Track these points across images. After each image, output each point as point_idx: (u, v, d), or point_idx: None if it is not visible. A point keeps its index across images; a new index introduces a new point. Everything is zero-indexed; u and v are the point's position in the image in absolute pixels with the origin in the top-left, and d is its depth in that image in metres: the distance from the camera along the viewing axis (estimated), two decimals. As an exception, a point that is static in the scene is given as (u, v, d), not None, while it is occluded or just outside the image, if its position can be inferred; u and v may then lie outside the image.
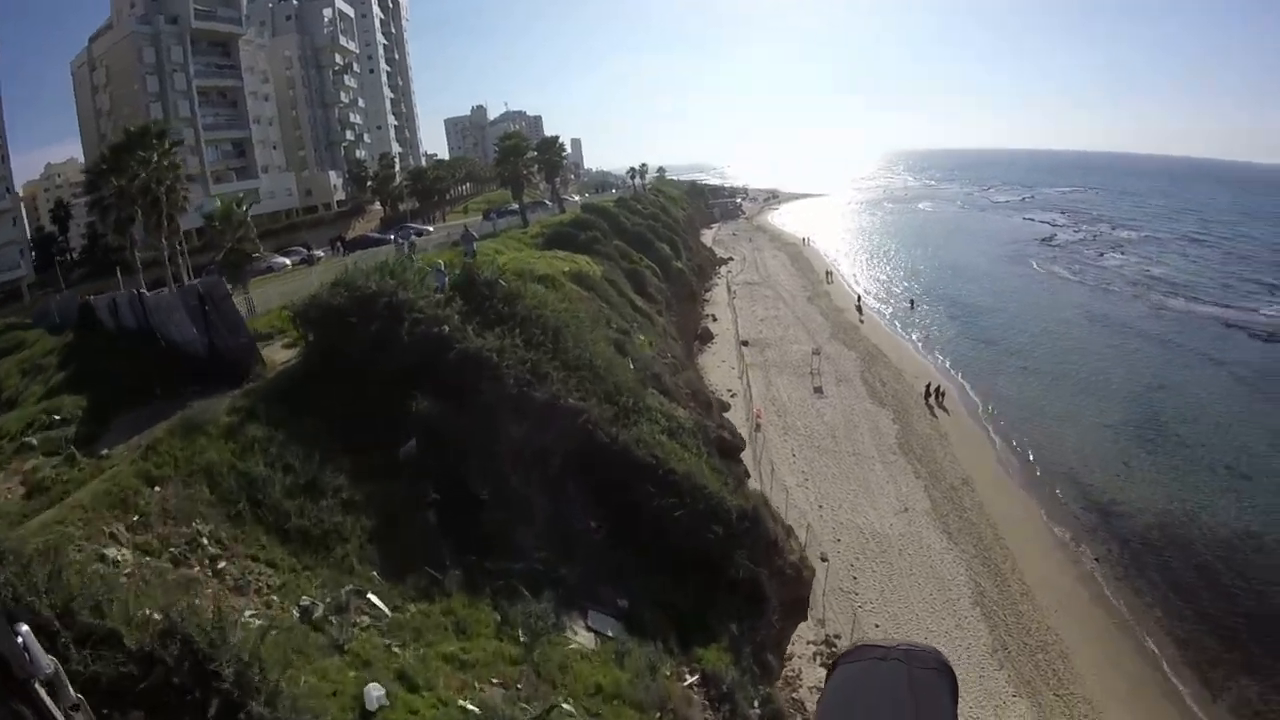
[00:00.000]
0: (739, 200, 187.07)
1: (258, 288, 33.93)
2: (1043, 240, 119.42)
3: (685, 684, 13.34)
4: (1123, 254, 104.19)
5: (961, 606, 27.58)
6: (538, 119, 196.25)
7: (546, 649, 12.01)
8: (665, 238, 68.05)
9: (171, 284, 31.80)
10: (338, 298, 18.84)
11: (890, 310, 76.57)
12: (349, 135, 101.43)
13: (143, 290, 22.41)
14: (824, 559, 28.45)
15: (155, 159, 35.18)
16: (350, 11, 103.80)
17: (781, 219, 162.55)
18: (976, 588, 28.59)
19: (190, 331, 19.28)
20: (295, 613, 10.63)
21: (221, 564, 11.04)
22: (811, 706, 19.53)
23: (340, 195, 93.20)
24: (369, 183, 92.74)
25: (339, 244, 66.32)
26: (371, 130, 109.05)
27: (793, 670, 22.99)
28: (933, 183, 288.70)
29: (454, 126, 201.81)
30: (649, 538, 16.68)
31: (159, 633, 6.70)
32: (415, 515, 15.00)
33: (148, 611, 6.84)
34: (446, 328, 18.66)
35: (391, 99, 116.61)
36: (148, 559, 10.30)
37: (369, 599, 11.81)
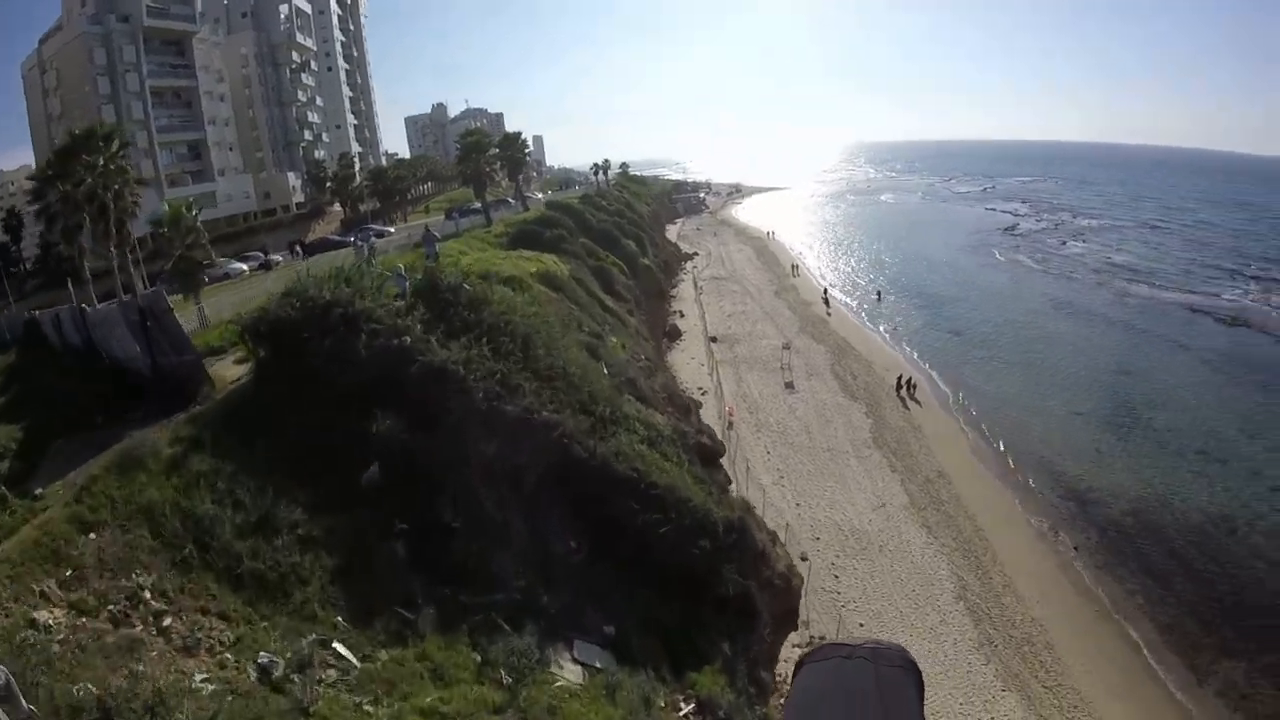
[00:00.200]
0: (702, 195, 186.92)
1: (211, 296, 32.35)
2: (1005, 230, 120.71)
3: (681, 714, 12.65)
4: (1085, 242, 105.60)
5: (945, 601, 27.28)
6: (499, 116, 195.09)
7: (532, 690, 11.05)
8: (631, 234, 67.34)
9: (121, 295, 30.35)
10: (288, 310, 17.32)
11: (857, 302, 76.55)
12: (307, 135, 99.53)
13: (85, 305, 20.63)
14: (804, 558, 27.98)
15: (102, 163, 33.56)
16: (307, 8, 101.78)
17: (745, 213, 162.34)
18: (959, 582, 28.33)
19: (133, 349, 17.59)
20: (252, 672, 9.55)
21: (167, 620, 9.81)
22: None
23: (299, 197, 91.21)
24: (328, 183, 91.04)
25: (298, 248, 64.58)
26: (330, 129, 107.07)
27: (780, 675, 22.49)
28: (894, 174, 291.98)
29: (414, 125, 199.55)
30: (633, 556, 15.67)
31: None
32: (382, 549, 13.83)
33: (80, 691, 5.92)
34: (408, 339, 17.38)
35: (350, 97, 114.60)
36: (83, 620, 9.13)
37: (335, 649, 10.71)
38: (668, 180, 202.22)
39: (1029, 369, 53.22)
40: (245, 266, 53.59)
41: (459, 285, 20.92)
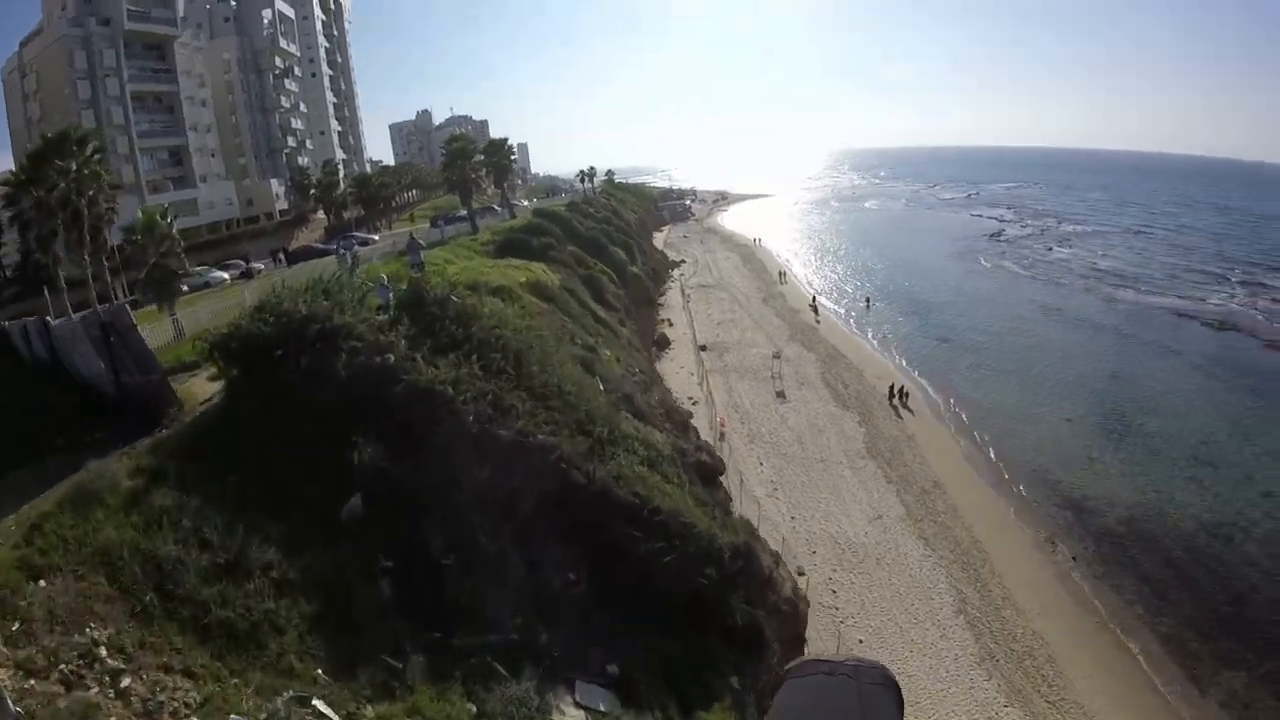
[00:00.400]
0: (688, 202, 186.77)
1: (188, 306, 31.17)
2: (991, 236, 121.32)
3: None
4: (1070, 248, 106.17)
5: (944, 616, 26.83)
6: (484, 123, 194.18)
7: (534, 741, 10.02)
8: (620, 242, 66.78)
9: (97, 306, 29.30)
10: (260, 325, 15.93)
11: (845, 309, 76.23)
12: (291, 141, 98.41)
13: (48, 317, 19.46)
14: (801, 573, 27.36)
15: (75, 167, 32.51)
16: (291, 13, 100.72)
17: (731, 220, 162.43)
18: (958, 595, 27.88)
19: (97, 366, 16.43)
20: (223, 738, 8.56)
21: (125, 680, 8.56)
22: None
23: (283, 204, 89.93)
24: (312, 191, 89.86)
25: (280, 255, 63.53)
26: (314, 136, 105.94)
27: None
28: (878, 181, 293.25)
29: (399, 132, 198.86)
30: (635, 587, 14.46)
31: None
32: (365, 590, 12.59)
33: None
34: (391, 357, 16.16)
35: (334, 104, 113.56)
36: (32, 682, 8.01)
37: (315, 706, 9.57)
38: (654, 188, 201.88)
39: (1019, 375, 53.01)
40: (226, 275, 52.54)
41: (446, 297, 19.72)
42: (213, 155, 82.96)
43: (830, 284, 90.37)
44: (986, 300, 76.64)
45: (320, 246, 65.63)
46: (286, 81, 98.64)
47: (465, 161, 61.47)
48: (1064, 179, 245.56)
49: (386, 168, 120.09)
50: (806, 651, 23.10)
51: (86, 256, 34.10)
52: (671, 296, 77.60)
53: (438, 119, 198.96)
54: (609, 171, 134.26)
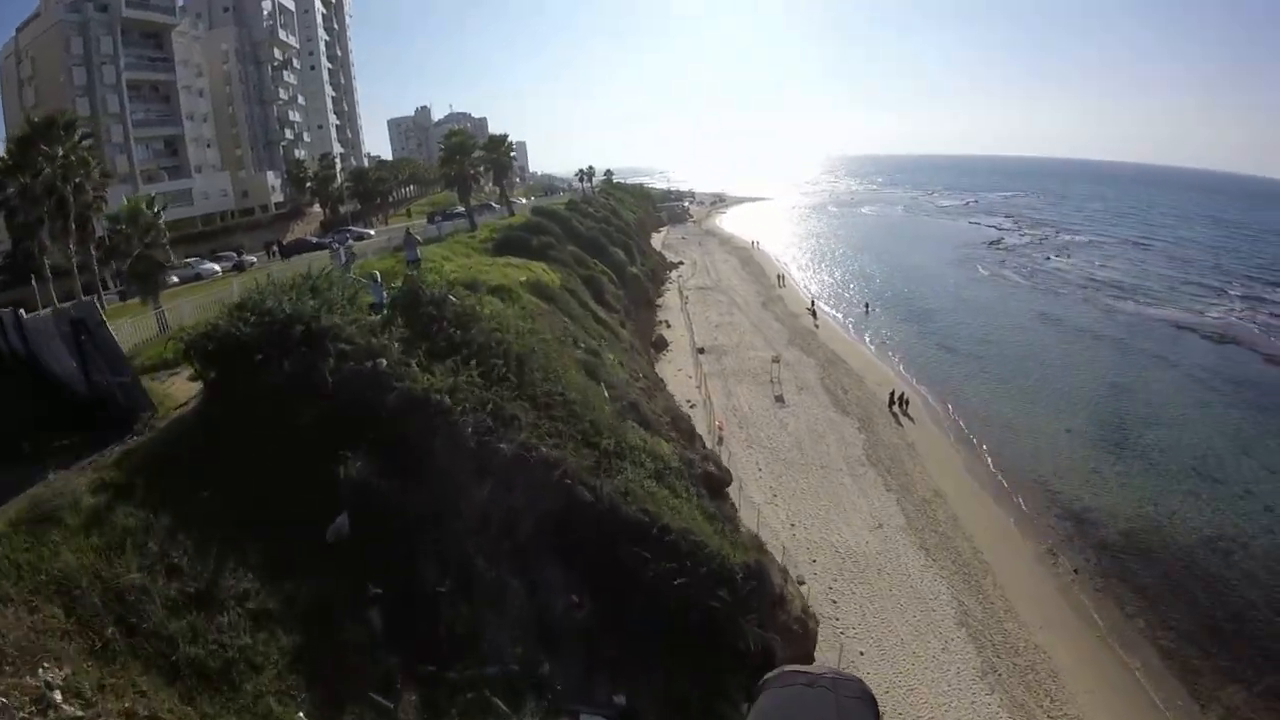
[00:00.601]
0: (686, 204, 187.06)
1: (175, 299, 29.50)
2: (990, 244, 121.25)
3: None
4: (1069, 257, 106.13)
5: (946, 627, 26.29)
6: (483, 121, 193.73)
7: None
8: (619, 242, 66.24)
9: (82, 298, 28.35)
10: (241, 325, 14.57)
11: (845, 314, 75.87)
12: (288, 134, 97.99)
13: (23, 308, 18.23)
14: (801, 582, 26.81)
15: (62, 153, 31.70)
16: (291, 5, 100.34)
17: (729, 223, 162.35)
18: (960, 606, 27.36)
19: (70, 364, 15.05)
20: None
21: None
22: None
23: (279, 197, 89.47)
24: (308, 184, 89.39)
25: (274, 248, 62.85)
26: (312, 129, 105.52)
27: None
28: (875, 187, 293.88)
29: (397, 127, 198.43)
30: (642, 610, 13.42)
31: None
32: (352, 621, 11.38)
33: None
34: (384, 361, 14.97)
35: (333, 97, 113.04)
36: None
37: None
38: (653, 189, 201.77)
39: (1019, 384, 52.70)
40: (218, 267, 51.81)
41: (444, 297, 18.53)
42: (208, 146, 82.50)
43: (829, 288, 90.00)
44: (986, 308, 76.34)
45: (315, 240, 65.11)
46: (285, 73, 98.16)
47: (464, 157, 60.80)
48: (1059, 189, 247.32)
49: (384, 163, 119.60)
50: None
51: (72, 246, 33.27)
52: (669, 298, 77.04)
53: (436, 116, 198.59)
54: (608, 171, 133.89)
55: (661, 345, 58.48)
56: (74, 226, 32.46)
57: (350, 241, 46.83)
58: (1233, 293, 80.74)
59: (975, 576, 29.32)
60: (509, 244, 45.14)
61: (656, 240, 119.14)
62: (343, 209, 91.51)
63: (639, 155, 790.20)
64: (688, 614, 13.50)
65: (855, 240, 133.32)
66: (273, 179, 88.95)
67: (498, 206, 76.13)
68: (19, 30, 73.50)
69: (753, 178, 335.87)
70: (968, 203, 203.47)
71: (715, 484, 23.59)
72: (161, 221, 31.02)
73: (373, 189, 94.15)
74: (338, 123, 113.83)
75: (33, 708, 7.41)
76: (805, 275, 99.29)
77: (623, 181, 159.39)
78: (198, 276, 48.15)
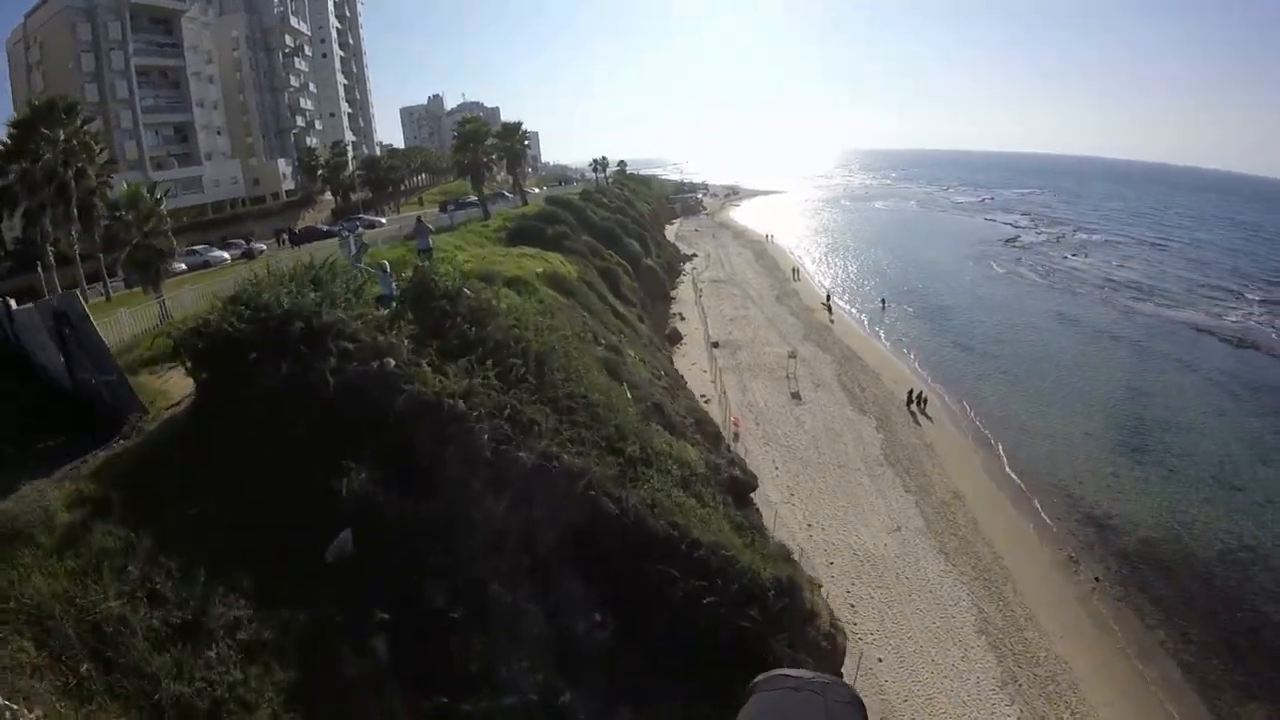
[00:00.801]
0: (700, 196, 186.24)
1: (178, 288, 28.25)
2: (1007, 241, 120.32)
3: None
4: (1086, 257, 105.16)
5: (966, 635, 25.66)
6: (496, 110, 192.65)
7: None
8: (634, 233, 65.60)
9: (83, 286, 27.78)
10: (234, 321, 13.28)
11: (859, 310, 75.08)
12: (299, 122, 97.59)
13: (11, 299, 17.11)
14: (818, 585, 26.23)
15: (63, 137, 31.02)
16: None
17: (743, 215, 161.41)
18: (980, 614, 26.72)
19: (57, 360, 13.91)
20: None
21: None
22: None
23: (290, 184, 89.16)
24: (320, 172, 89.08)
25: (285, 236, 62.39)
26: (324, 117, 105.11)
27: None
28: (889, 182, 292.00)
29: (410, 116, 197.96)
30: (667, 628, 12.39)
31: None
32: (355, 651, 10.27)
33: None
34: (391, 361, 13.67)
35: (345, 85, 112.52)
36: None
37: None
38: (666, 180, 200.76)
39: (1037, 385, 51.93)
40: (227, 255, 51.32)
41: (459, 291, 17.10)
42: (219, 133, 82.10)
43: (844, 283, 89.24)
44: (1002, 306, 75.52)
45: (325, 228, 64.67)
46: (296, 61, 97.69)
47: (478, 144, 60.26)
48: (1075, 187, 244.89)
49: (396, 151, 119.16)
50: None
51: (74, 233, 32.64)
52: (683, 290, 76.35)
53: (449, 105, 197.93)
54: (621, 162, 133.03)
55: (676, 338, 57.81)
56: (76, 213, 31.77)
57: (361, 230, 45.98)
58: (1251, 297, 79.57)
59: (995, 583, 28.66)
60: (523, 233, 44.50)
61: (670, 232, 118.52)
62: (354, 197, 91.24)
63: (652, 147, 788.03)
64: (716, 633, 12.60)
65: (869, 235, 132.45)
66: (284, 166, 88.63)
67: (510, 195, 75.61)
68: (28, 16, 73.21)
69: (765, 171, 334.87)
70: (983, 199, 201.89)
71: (740, 489, 22.72)
72: (163, 208, 30.16)
73: (385, 177, 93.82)
74: (350, 111, 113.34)
75: None
76: (819, 269, 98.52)
77: (636, 173, 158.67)
78: (206, 264, 47.71)
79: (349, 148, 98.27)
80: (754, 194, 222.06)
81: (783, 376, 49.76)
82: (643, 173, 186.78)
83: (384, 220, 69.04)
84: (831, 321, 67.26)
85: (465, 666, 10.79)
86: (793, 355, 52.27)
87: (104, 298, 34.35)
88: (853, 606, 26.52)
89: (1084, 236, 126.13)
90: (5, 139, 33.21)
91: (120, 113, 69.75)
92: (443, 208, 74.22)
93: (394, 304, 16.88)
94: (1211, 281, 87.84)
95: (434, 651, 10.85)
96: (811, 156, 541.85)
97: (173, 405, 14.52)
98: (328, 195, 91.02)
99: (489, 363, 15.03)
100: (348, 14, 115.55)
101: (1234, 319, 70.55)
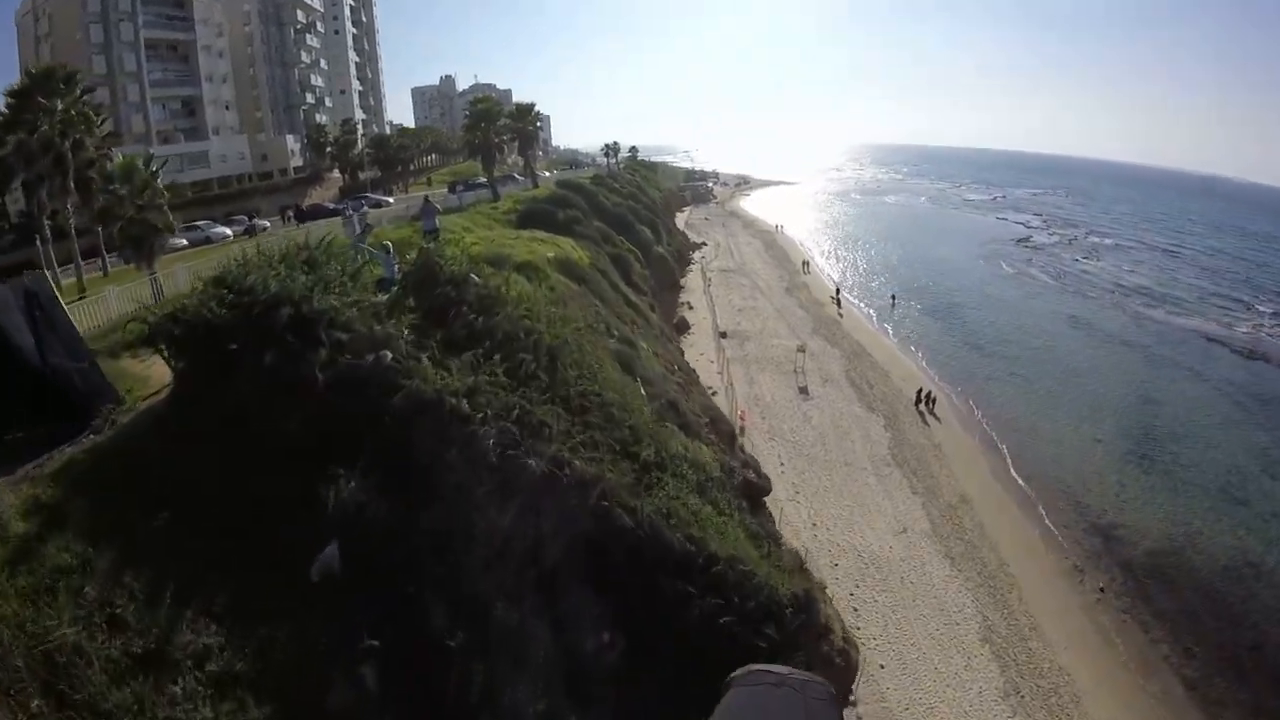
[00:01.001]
0: (710, 185, 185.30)
1: (173, 265, 27.47)
2: (1019, 241, 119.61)
3: None
4: (1098, 260, 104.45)
5: (970, 643, 25.26)
6: (508, 92, 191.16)
7: None
8: (646, 220, 65.01)
9: (79, 262, 27.03)
10: (214, 306, 12.09)
11: (869, 305, 74.49)
12: (309, 98, 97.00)
13: None
14: (823, 588, 25.84)
15: (61, 107, 30.35)
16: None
17: (753, 205, 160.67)
18: (984, 621, 26.31)
19: (30, 343, 12.62)
20: None
21: None
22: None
23: (298, 161, 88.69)
24: (329, 149, 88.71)
25: (291, 213, 61.81)
26: (334, 94, 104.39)
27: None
28: (900, 177, 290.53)
29: (421, 96, 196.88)
30: (679, 646, 11.52)
31: None
32: (342, 681, 9.32)
33: None
34: (389, 354, 12.46)
35: (356, 62, 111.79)
36: None
37: None
38: (677, 167, 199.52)
39: (1047, 389, 51.37)
40: (229, 231, 50.68)
41: (466, 277, 15.76)
42: (227, 108, 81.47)
43: (854, 278, 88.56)
44: (1013, 306, 74.91)
45: (333, 205, 64.09)
46: (308, 37, 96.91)
47: (490, 124, 59.67)
48: (1087, 188, 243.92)
49: (406, 130, 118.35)
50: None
51: (70, 206, 31.99)
52: (692, 279, 75.76)
53: (461, 86, 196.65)
54: (632, 148, 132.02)
55: (684, 327, 57.26)
56: (73, 185, 31.11)
57: (365, 209, 44.65)
58: (1262, 309, 78.74)
59: (1000, 590, 28.25)
60: (533, 217, 43.92)
61: (680, 220, 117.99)
62: (363, 175, 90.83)
63: (663, 134, 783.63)
64: (730, 653, 11.19)
65: (880, 229, 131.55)
66: (292, 143, 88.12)
67: (520, 178, 75.05)
68: (37, -13, 72.59)
69: (775, 162, 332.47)
70: (995, 198, 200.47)
71: (755, 492, 22.01)
72: (159, 182, 29.22)
73: (394, 156, 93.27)
74: (360, 89, 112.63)
75: None
76: (829, 263, 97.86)
77: (647, 159, 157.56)
78: (207, 240, 47.18)
79: (359, 125, 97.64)
80: (765, 184, 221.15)
81: (790, 370, 49.25)
82: (653, 159, 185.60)
83: (391, 200, 68.50)
84: (840, 315, 66.72)
85: (464, 695, 9.91)
86: (801, 349, 51.67)
87: (101, 273, 33.85)
88: (856, 610, 26.10)
89: (1096, 239, 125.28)
90: (4, 109, 32.56)
91: (128, 85, 69.24)
92: (451, 188, 73.64)
93: (394, 288, 15.84)
94: (1223, 291, 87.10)
95: (430, 679, 9.98)
96: (821, 149, 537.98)
97: (151, 395, 13.52)
98: (336, 173, 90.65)
99: (497, 357, 14.02)
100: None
101: (1245, 330, 69.90)
